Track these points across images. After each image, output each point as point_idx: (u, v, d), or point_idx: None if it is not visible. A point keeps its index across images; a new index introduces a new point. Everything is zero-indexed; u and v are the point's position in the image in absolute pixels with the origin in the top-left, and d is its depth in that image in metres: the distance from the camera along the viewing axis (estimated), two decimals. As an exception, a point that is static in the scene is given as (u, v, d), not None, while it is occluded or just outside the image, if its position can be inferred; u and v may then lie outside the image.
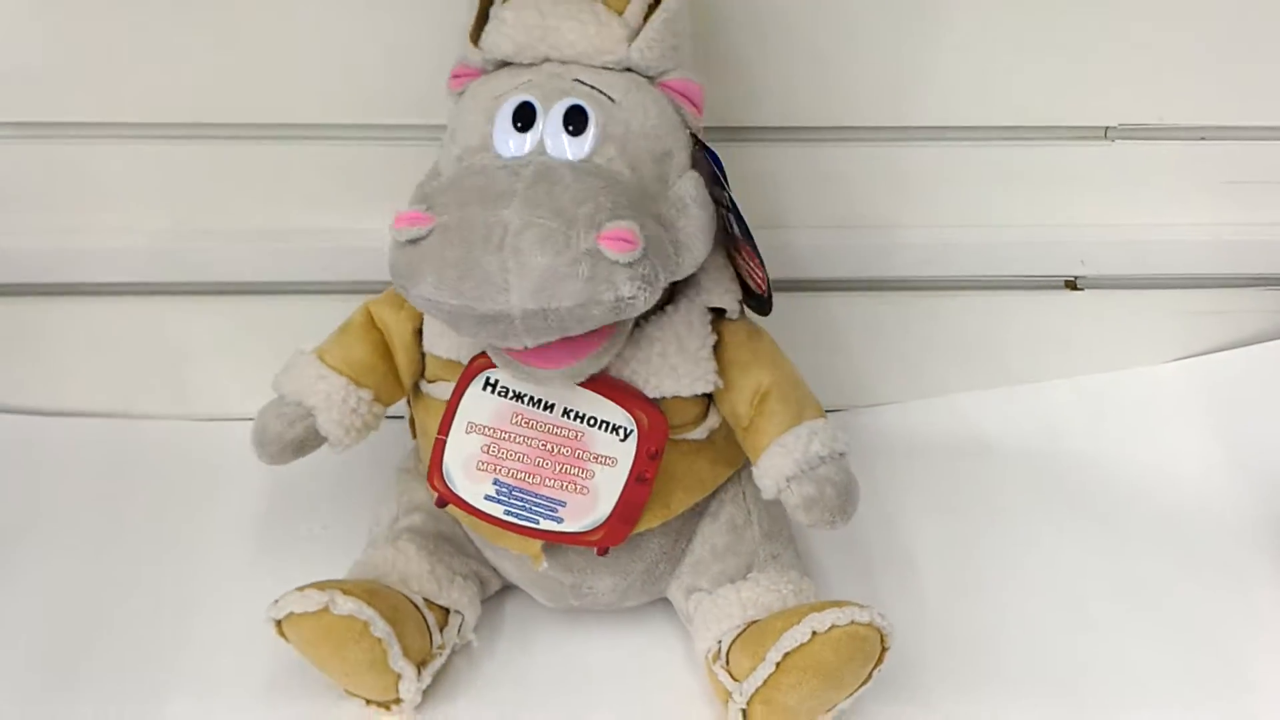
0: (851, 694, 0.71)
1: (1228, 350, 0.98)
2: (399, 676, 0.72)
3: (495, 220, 0.63)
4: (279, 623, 0.70)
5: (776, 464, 0.72)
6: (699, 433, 0.76)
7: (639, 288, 0.64)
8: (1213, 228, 0.94)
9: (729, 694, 0.72)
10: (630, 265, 0.64)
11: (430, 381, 0.77)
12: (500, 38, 0.70)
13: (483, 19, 0.72)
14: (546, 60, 0.70)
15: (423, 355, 0.77)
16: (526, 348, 0.66)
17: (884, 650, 0.70)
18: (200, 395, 0.94)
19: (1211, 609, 0.83)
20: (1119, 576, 0.85)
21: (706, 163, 0.71)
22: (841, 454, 0.73)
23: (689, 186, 0.71)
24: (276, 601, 0.70)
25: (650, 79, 0.71)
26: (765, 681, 0.69)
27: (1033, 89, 0.88)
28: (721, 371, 0.74)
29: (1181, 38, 0.86)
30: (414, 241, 0.65)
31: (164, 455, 0.92)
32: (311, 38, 0.83)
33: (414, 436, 0.83)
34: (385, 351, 0.77)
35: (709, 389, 0.74)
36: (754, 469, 0.74)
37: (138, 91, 0.85)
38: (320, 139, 0.87)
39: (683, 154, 0.72)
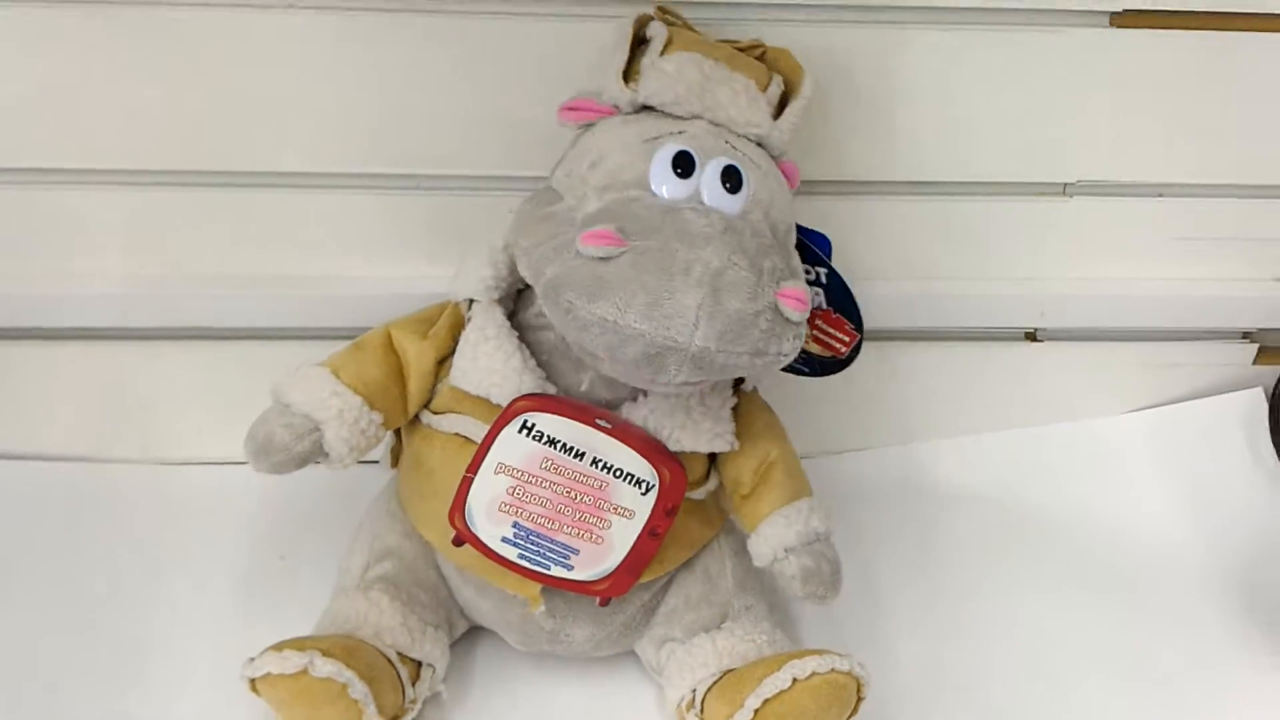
0: (826, 743, 0.72)
1: (1184, 401, 1.00)
2: (371, 734, 0.71)
3: (696, 258, 0.64)
4: (253, 679, 0.69)
5: (778, 534, 0.75)
6: (699, 494, 0.77)
7: (793, 347, 0.67)
8: (1170, 282, 0.95)
9: (702, 742, 0.72)
10: (797, 325, 0.66)
11: (436, 413, 0.77)
12: (661, 86, 0.72)
13: (629, 61, 0.73)
14: (697, 117, 0.72)
15: (434, 386, 0.77)
16: (669, 383, 0.67)
17: (859, 700, 0.71)
18: (168, 440, 0.93)
19: (1169, 657, 0.84)
20: (1077, 625, 0.86)
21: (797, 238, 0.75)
22: (830, 533, 0.76)
23: (797, 261, 0.73)
24: (253, 660, 0.69)
25: (773, 157, 0.74)
26: (742, 729, 0.70)
27: (994, 147, 0.89)
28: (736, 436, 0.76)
29: (1140, 96, 0.88)
30: (603, 260, 0.65)
31: (131, 500, 0.90)
32: (296, 86, 0.83)
33: (393, 465, 0.83)
34: (399, 377, 0.77)
35: (725, 448, 0.76)
36: (750, 536, 0.76)
37: (110, 138, 0.84)
38: (296, 187, 0.87)
39: (794, 231, 0.74)
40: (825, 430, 0.97)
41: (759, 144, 0.73)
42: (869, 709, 0.72)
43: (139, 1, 0.79)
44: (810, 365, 0.82)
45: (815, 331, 0.80)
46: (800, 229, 0.77)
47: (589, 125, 0.74)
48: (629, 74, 0.73)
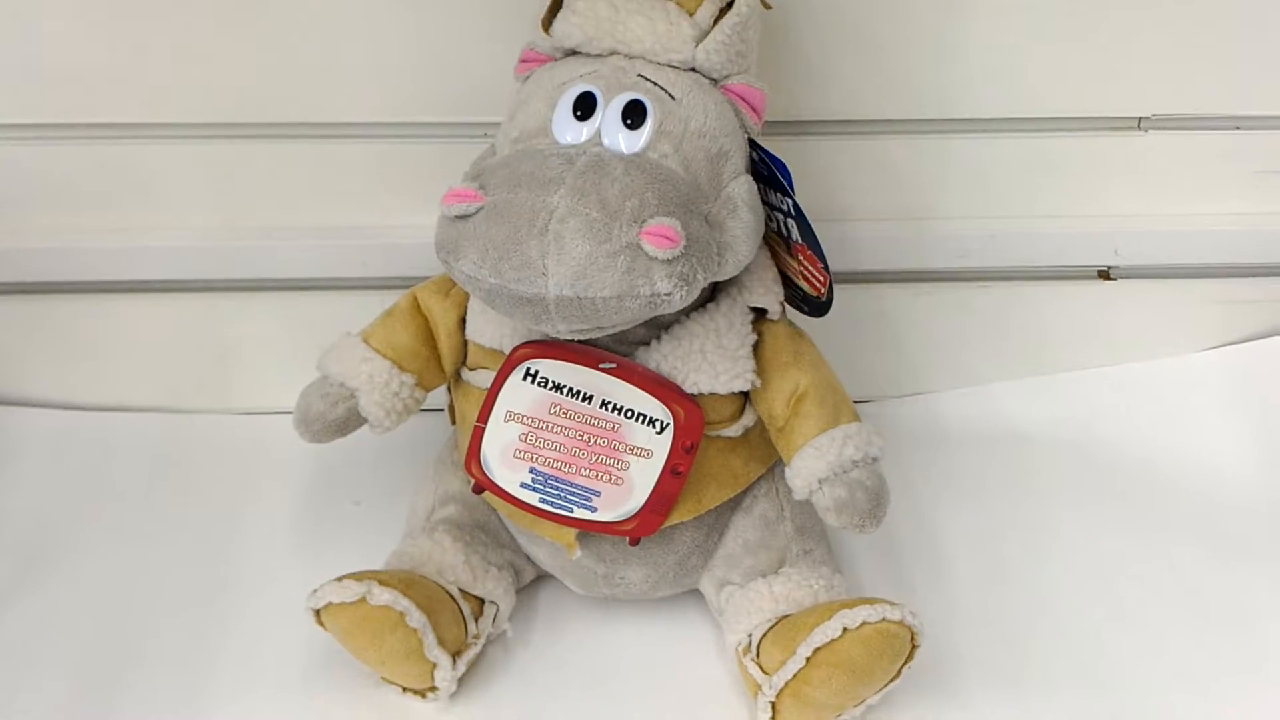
0: (880, 690, 0.72)
1: (1261, 339, 0.98)
2: (434, 665, 0.73)
3: (542, 205, 0.64)
4: (318, 612, 0.72)
5: (809, 465, 0.73)
6: (734, 430, 0.76)
7: (675, 285, 0.65)
8: (1246, 217, 0.94)
9: (759, 687, 0.73)
10: (669, 262, 0.65)
11: (471, 369, 0.78)
12: (571, 27, 0.71)
13: (555, 7, 0.73)
14: (614, 53, 0.71)
15: (465, 343, 0.78)
16: (560, 333, 0.67)
17: (914, 648, 0.71)
18: (246, 389, 0.95)
19: (1246, 597, 0.83)
20: (1153, 566, 0.85)
21: (767, 165, 0.72)
22: (875, 459, 0.73)
23: (741, 189, 0.71)
24: (315, 591, 0.71)
25: (714, 81, 0.72)
26: (795, 676, 0.70)
27: (1066, 80, 0.88)
28: (760, 371, 0.75)
29: (1214, 28, 0.86)
30: (462, 218, 0.66)
31: (210, 448, 0.93)
32: (356, 39, 0.85)
33: (453, 423, 0.84)
34: (429, 337, 0.78)
35: (746, 387, 0.74)
36: (787, 470, 0.75)
37: (187, 93, 0.86)
38: (364, 138, 0.89)
39: (739, 157, 0.72)
40: (899, 373, 0.97)
41: (694, 70, 0.71)
42: (934, 654, 0.73)
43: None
44: (808, 304, 0.79)
45: (800, 267, 0.77)
46: (765, 155, 0.74)
47: (529, 76, 0.74)
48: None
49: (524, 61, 0.74)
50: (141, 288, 0.93)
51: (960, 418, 0.96)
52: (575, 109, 0.69)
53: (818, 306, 0.77)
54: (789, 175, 0.73)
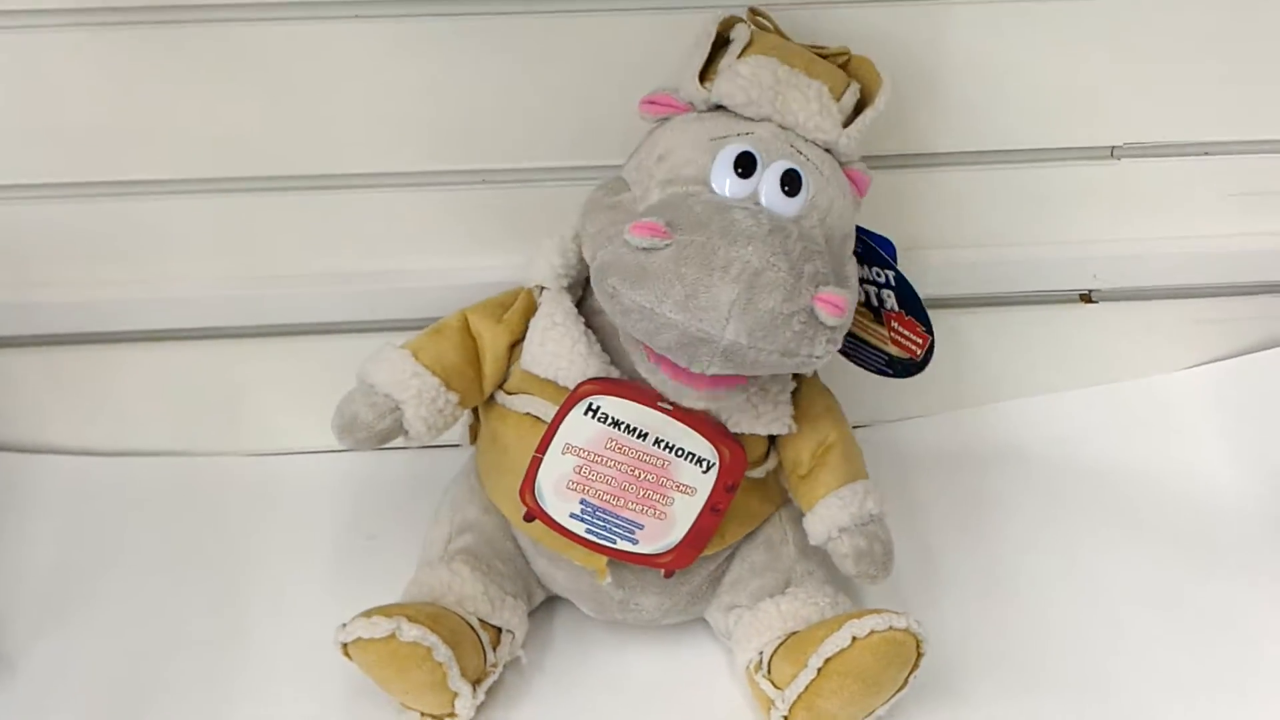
0: (889, 699, 0.74)
1: (1240, 356, 1.00)
2: (456, 695, 0.75)
3: (736, 255, 0.67)
4: (345, 645, 0.73)
5: (833, 514, 0.77)
6: (758, 472, 0.79)
7: (827, 350, 0.69)
8: (1220, 239, 0.95)
9: (771, 702, 0.75)
10: (832, 329, 0.68)
11: (510, 393, 0.80)
12: (734, 88, 0.73)
13: (709, 63, 0.75)
14: (767, 120, 0.73)
15: (508, 367, 0.80)
16: (707, 374, 0.69)
17: (919, 656, 0.73)
18: (257, 432, 0.96)
19: (1233, 607, 0.84)
20: (1142, 580, 0.86)
21: (862, 243, 0.77)
22: (883, 516, 0.78)
23: (854, 269, 0.75)
24: (345, 626, 0.72)
25: (840, 164, 0.75)
26: (807, 687, 0.72)
27: (1041, 114, 0.90)
28: (795, 419, 0.78)
29: (1180, 59, 0.89)
30: (648, 250, 0.68)
31: (225, 490, 0.94)
32: (361, 91, 0.86)
33: (472, 442, 0.86)
34: (475, 359, 0.80)
35: (783, 431, 0.78)
36: (806, 515, 0.78)
37: (198, 149, 0.87)
38: (370, 187, 0.90)
39: (854, 238, 0.76)
40: (885, 398, 0.98)
41: (828, 150, 0.74)
42: (931, 669, 0.74)
43: (219, 19, 0.82)
44: (893, 367, 0.83)
45: (892, 333, 0.81)
46: (865, 233, 0.78)
47: (664, 120, 0.76)
48: (707, 73, 0.75)
49: (656, 104, 0.76)
50: (156, 336, 0.94)
51: (951, 441, 0.98)
52: (737, 166, 0.71)
53: (909, 367, 0.82)
54: (893, 250, 0.79)
